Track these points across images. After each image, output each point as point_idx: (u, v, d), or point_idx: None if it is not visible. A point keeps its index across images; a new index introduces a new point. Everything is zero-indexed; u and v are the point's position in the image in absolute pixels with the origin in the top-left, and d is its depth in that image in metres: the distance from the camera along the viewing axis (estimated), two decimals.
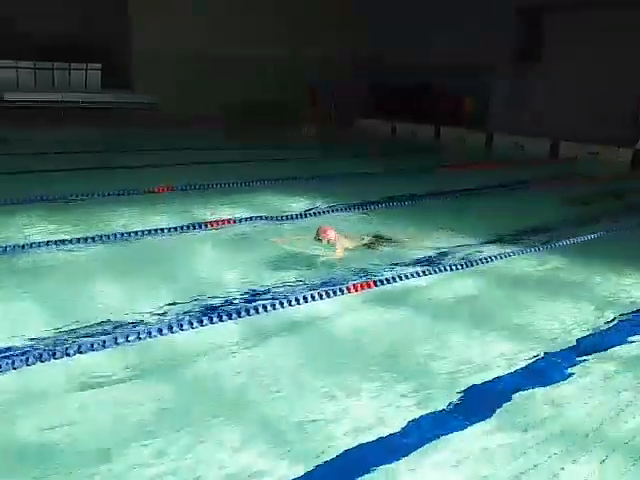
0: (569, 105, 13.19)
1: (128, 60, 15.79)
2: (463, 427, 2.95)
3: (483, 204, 7.95)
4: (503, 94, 14.74)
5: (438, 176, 9.91)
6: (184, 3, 15.57)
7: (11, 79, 14.98)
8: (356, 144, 13.94)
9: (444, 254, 5.58)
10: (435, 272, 5.00)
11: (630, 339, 4.07)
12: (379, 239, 5.76)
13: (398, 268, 5.06)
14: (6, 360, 3.20)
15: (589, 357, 3.77)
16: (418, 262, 5.30)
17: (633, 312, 4.54)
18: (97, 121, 13.93)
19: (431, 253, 5.57)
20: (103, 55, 15.55)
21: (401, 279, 4.75)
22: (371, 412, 3.05)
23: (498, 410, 3.12)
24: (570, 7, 13.15)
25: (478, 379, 3.41)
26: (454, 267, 5.18)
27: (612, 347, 3.94)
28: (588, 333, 4.13)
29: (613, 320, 4.36)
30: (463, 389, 3.30)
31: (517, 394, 3.28)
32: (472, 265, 5.26)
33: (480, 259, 5.42)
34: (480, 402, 3.22)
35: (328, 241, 5.16)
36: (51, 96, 14.51)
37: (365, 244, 5.62)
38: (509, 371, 3.53)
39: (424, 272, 4.94)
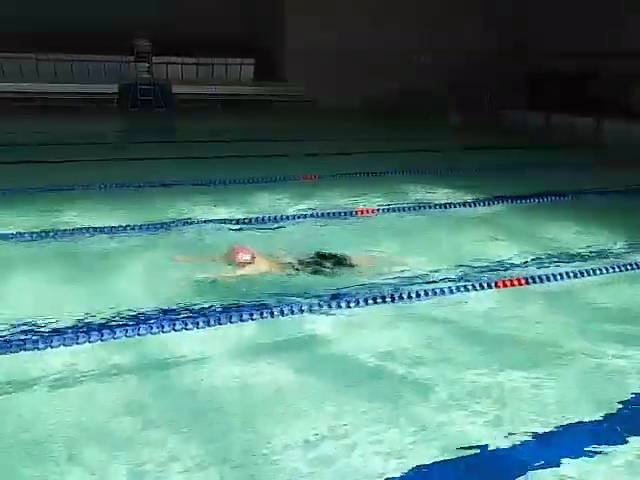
0: None
1: (283, 56, 16.51)
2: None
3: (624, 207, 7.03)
4: None
5: (590, 172, 9.03)
6: (339, 2, 15.91)
7: (176, 74, 16.37)
8: (503, 135, 13.30)
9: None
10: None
11: None
12: (323, 260, 4.45)
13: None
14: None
15: None
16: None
17: None
18: (252, 112, 14.72)
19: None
20: (260, 52, 16.41)
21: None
22: None
23: None
24: None
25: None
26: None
27: None
28: None
29: None
30: None
31: None
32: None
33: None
34: None
35: (242, 264, 4.26)
36: (210, 89, 15.61)
37: (292, 265, 4.39)
38: None
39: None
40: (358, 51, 15.65)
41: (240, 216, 5.92)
